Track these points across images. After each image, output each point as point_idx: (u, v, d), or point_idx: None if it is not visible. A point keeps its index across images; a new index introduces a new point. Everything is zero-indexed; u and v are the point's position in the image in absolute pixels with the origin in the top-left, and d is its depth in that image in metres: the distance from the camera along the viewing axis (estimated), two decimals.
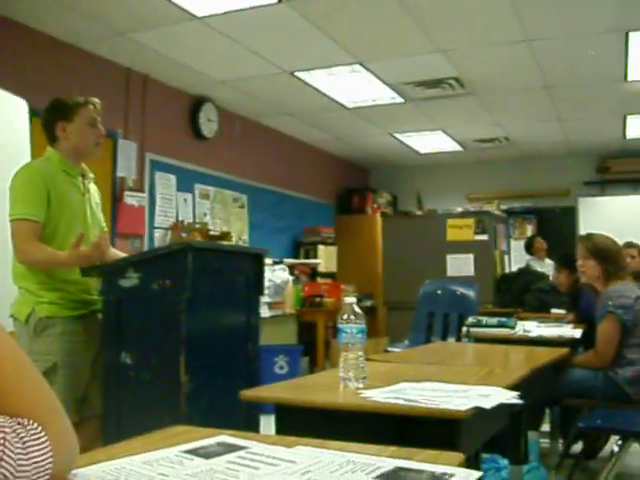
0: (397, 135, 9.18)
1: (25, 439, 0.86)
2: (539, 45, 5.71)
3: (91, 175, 3.46)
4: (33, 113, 4.31)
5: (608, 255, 4.18)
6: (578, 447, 4.46)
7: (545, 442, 4.54)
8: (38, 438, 0.88)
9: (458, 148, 9.86)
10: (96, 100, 3.35)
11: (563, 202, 10.27)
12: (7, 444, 0.83)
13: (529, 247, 8.95)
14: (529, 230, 10.42)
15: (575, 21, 5.26)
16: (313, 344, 7.87)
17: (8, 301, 3.22)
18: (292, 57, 6.12)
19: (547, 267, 8.23)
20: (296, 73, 6.52)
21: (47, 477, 0.88)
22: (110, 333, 3.19)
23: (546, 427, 4.51)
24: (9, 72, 4.82)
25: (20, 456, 0.84)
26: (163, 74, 6.57)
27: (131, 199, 6.31)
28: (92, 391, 3.23)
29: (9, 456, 0.82)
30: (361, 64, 6.25)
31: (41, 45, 5.37)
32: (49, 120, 3.30)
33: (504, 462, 3.54)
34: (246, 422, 3.22)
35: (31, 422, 0.89)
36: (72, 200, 3.26)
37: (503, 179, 10.55)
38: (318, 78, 6.67)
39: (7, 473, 0.81)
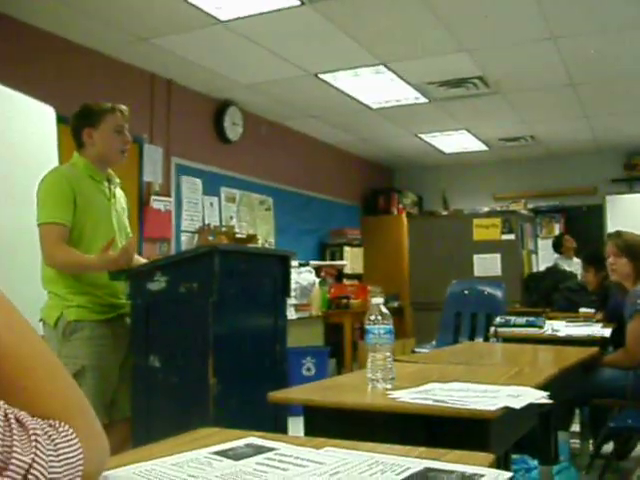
0: (422, 135, 9.15)
1: (56, 441, 0.87)
2: (564, 42, 5.67)
3: (117, 180, 3.48)
4: (60, 119, 4.35)
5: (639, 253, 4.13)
6: (609, 447, 4.41)
7: (575, 442, 4.50)
8: (69, 440, 0.89)
9: (483, 147, 9.81)
10: (123, 107, 3.37)
11: (590, 200, 10.17)
12: (39, 446, 0.83)
13: (557, 246, 8.87)
14: (556, 229, 10.34)
15: (600, 17, 5.21)
16: (340, 346, 7.87)
17: (38, 305, 3.25)
18: (316, 59, 6.13)
19: (575, 266, 8.16)
20: (320, 75, 6.52)
21: (78, 479, 0.88)
22: (138, 336, 3.21)
23: (576, 427, 4.47)
24: (36, 79, 4.87)
25: (52, 458, 0.85)
26: (187, 79, 6.61)
27: (158, 203, 6.35)
28: (121, 394, 3.25)
29: (41, 458, 0.83)
30: (385, 65, 6.24)
31: (66, 52, 5.42)
32: (76, 126, 3.33)
33: (534, 463, 3.52)
34: (274, 424, 3.22)
35: (62, 424, 0.90)
36: (98, 205, 3.29)
37: (529, 178, 10.47)
38: (342, 80, 6.67)
39: (39, 475, 0.82)
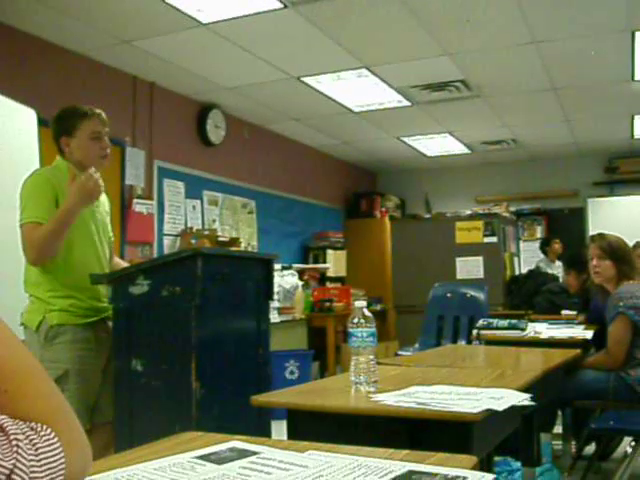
0: (404, 138, 9.17)
1: (38, 445, 0.86)
2: (546, 47, 5.70)
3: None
4: (41, 122, 4.33)
5: (623, 255, 4.15)
6: (591, 449, 4.44)
7: (558, 444, 4.52)
8: (51, 444, 0.88)
9: (466, 151, 9.85)
10: (100, 111, 3.29)
11: (572, 203, 10.24)
12: (20, 451, 0.83)
13: (544, 247, 8.90)
14: (538, 232, 10.40)
15: (582, 22, 5.24)
16: (323, 349, 7.86)
17: (19, 309, 3.23)
18: (298, 62, 6.13)
19: (556, 269, 8.21)
20: (303, 78, 6.52)
21: None
22: (120, 340, 3.20)
23: (558, 429, 4.48)
24: (17, 82, 4.84)
25: (33, 463, 0.84)
26: (170, 81, 6.59)
27: (140, 207, 6.32)
28: (103, 398, 3.23)
29: (22, 463, 0.82)
30: (368, 68, 6.26)
31: (48, 54, 5.39)
32: (54, 133, 3.29)
33: (517, 464, 3.54)
34: (258, 428, 3.22)
35: (44, 427, 0.89)
36: None
37: (511, 181, 10.53)
38: (325, 83, 6.68)
39: None
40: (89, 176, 3.06)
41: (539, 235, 10.26)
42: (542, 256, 8.94)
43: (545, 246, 8.90)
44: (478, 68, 6.33)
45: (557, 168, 10.25)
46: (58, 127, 3.27)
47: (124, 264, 3.71)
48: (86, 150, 3.24)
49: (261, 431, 3.21)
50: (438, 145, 9.54)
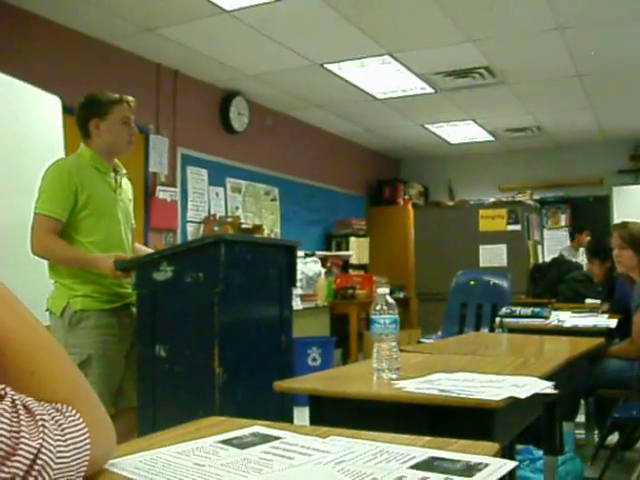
0: (428, 126, 9.13)
1: (64, 425, 0.88)
2: (571, 33, 5.65)
3: (124, 171, 3.48)
4: (65, 110, 4.35)
5: None
6: (614, 438, 4.42)
7: (580, 433, 4.50)
8: (76, 424, 0.89)
9: (489, 138, 9.79)
10: (130, 98, 3.37)
11: (597, 191, 10.14)
12: (47, 431, 0.84)
13: (574, 233, 8.81)
14: (562, 220, 10.32)
15: (607, 8, 5.18)
16: (346, 336, 7.88)
17: (44, 295, 3.26)
18: (322, 49, 6.11)
19: (580, 257, 8.17)
20: (326, 65, 6.51)
21: (85, 463, 0.89)
22: (144, 326, 3.22)
23: (581, 418, 4.47)
24: (41, 69, 4.87)
25: (59, 442, 0.85)
26: (193, 69, 6.60)
27: (164, 194, 6.36)
28: (127, 384, 3.26)
29: (49, 443, 0.84)
30: (391, 55, 6.23)
31: (72, 42, 5.42)
32: (83, 116, 3.32)
33: (539, 453, 3.53)
34: (280, 414, 3.23)
35: (69, 408, 0.91)
36: (102, 196, 3.28)
37: (535, 169, 10.45)
38: (348, 70, 6.66)
39: (48, 460, 0.83)
40: (109, 269, 3.13)
41: (563, 223, 10.18)
42: (568, 243, 8.87)
43: (576, 233, 8.81)
44: (502, 55, 6.28)
45: (582, 156, 10.16)
46: (89, 109, 3.31)
47: (146, 250, 3.74)
48: (116, 134, 3.30)
49: (283, 417, 3.22)
50: (462, 132, 9.49)
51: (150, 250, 3.82)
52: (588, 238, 8.58)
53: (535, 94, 7.63)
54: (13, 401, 0.83)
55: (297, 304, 7.03)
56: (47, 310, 3.22)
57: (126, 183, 3.52)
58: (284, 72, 6.71)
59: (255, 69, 6.64)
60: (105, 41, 5.71)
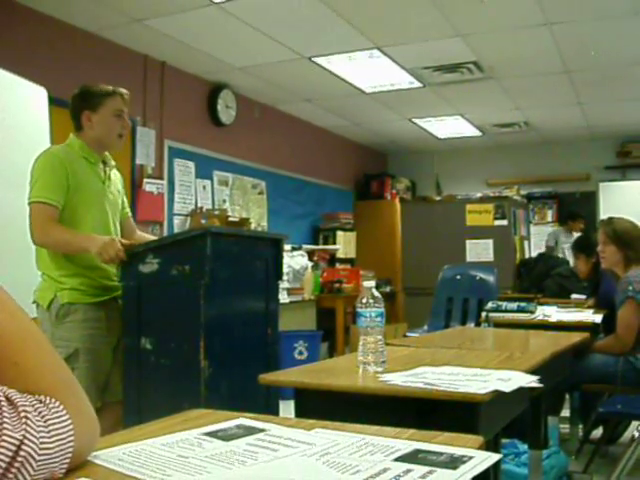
0: (416, 120, 9.14)
1: (47, 417, 0.87)
2: (559, 28, 5.66)
3: (113, 163, 3.46)
4: (52, 101, 4.33)
5: (629, 240, 4.14)
6: (598, 432, 4.45)
7: (565, 427, 4.53)
8: (59, 416, 0.89)
9: (477, 133, 9.81)
10: (124, 91, 3.35)
11: (584, 187, 10.19)
12: (30, 422, 0.84)
13: (568, 220, 8.84)
14: (549, 215, 10.37)
15: (595, 4, 5.19)
16: (332, 330, 7.89)
17: (31, 287, 3.24)
18: (310, 42, 6.10)
19: (571, 239, 8.27)
20: (314, 58, 6.50)
21: (69, 455, 0.89)
22: (130, 318, 3.21)
23: (566, 412, 4.50)
24: (27, 60, 4.84)
25: (43, 434, 0.85)
26: (180, 61, 6.58)
27: (150, 186, 6.33)
28: (114, 377, 3.25)
29: (32, 434, 0.83)
30: (379, 49, 6.22)
31: (59, 33, 5.39)
32: (75, 108, 3.31)
33: (524, 447, 3.54)
34: (265, 407, 3.23)
35: (52, 400, 0.90)
36: (91, 187, 3.27)
37: (523, 164, 10.49)
38: (336, 63, 6.65)
39: (31, 451, 0.82)
40: (115, 244, 3.08)
41: (550, 219, 10.23)
42: (560, 227, 8.91)
43: (570, 219, 8.85)
44: (491, 50, 6.29)
45: (569, 152, 10.20)
46: (81, 102, 3.29)
47: (149, 237, 3.73)
48: (108, 126, 3.28)
49: (269, 411, 3.22)
50: (449, 127, 9.50)
51: (153, 237, 3.81)
52: (581, 224, 8.64)
53: (523, 90, 7.64)
54: None
55: (284, 297, 7.04)
56: (34, 302, 3.21)
57: (115, 174, 3.50)
58: (272, 65, 6.69)
59: (243, 62, 6.62)
60: (92, 32, 5.67)
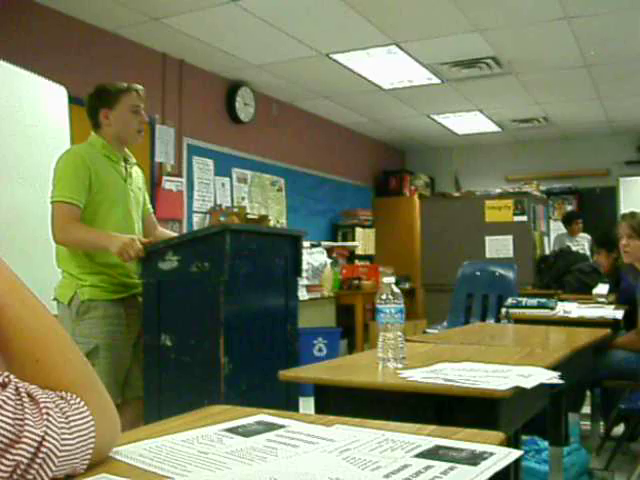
0: (434, 116, 9.11)
1: (68, 413, 0.88)
2: (578, 22, 5.62)
3: (134, 160, 3.48)
4: (71, 100, 4.35)
5: None
6: (619, 429, 4.42)
7: (586, 424, 4.50)
8: (81, 412, 0.89)
9: (496, 129, 9.76)
10: (139, 87, 3.37)
11: (604, 182, 10.13)
12: (51, 419, 0.84)
13: (567, 222, 8.84)
14: (568, 209, 10.30)
15: None
16: (352, 327, 7.88)
17: (52, 284, 3.26)
18: (328, 39, 6.10)
19: (581, 241, 8.23)
20: (332, 55, 6.49)
21: (90, 451, 0.89)
22: (150, 315, 3.23)
23: (587, 409, 4.47)
24: (47, 59, 4.87)
25: (64, 430, 0.85)
26: (199, 59, 6.59)
27: (169, 184, 6.36)
28: (134, 373, 3.27)
29: (54, 431, 0.84)
30: (397, 45, 6.21)
31: (78, 32, 5.42)
32: (92, 107, 3.33)
33: (544, 444, 3.52)
34: (285, 404, 3.23)
35: (73, 396, 0.91)
36: (113, 185, 3.29)
37: (542, 159, 10.43)
38: (354, 60, 6.64)
39: (53, 447, 0.83)
40: (135, 244, 3.10)
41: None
42: (564, 231, 8.91)
43: (569, 221, 8.84)
44: (509, 44, 6.25)
45: (589, 147, 10.13)
46: (98, 100, 3.31)
47: (171, 234, 3.75)
48: (126, 123, 3.31)
49: (289, 407, 3.22)
50: (468, 123, 9.47)
51: (174, 234, 3.83)
52: (578, 226, 8.63)
53: (542, 84, 7.60)
54: (17, 389, 0.83)
55: (303, 294, 7.04)
56: (54, 299, 3.23)
57: (136, 172, 3.52)
58: (290, 62, 6.70)
59: (261, 59, 6.63)
60: (111, 31, 5.70)
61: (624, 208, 9.12)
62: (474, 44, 6.18)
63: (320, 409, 1.94)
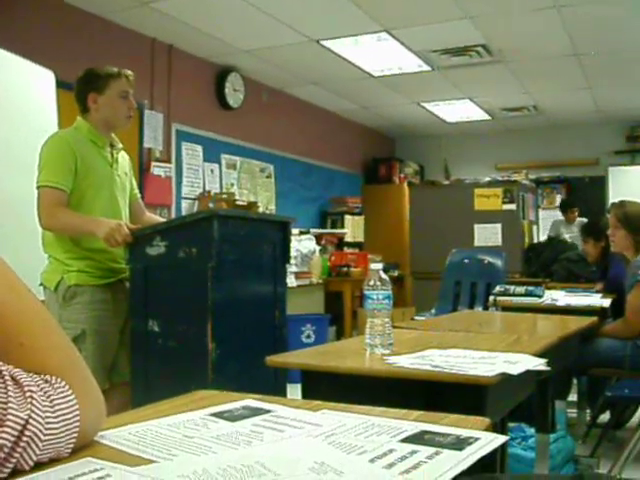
0: (424, 104, 9.10)
1: (52, 397, 0.87)
2: (568, 11, 5.61)
3: (120, 145, 3.46)
4: (59, 84, 4.32)
5: (639, 225, 4.11)
6: (605, 417, 4.45)
7: (572, 412, 4.53)
8: (65, 396, 0.89)
9: (486, 117, 9.77)
10: (129, 72, 3.35)
11: (593, 171, 10.16)
12: (35, 402, 0.84)
13: (564, 209, 8.85)
14: (558, 200, 10.32)
15: None
16: (340, 314, 7.89)
17: (38, 270, 3.25)
18: (317, 25, 6.07)
19: (574, 228, 8.27)
20: (322, 42, 6.47)
21: (75, 435, 0.89)
22: (137, 301, 3.22)
23: (573, 397, 4.49)
24: (35, 43, 4.83)
25: (48, 414, 0.85)
26: (188, 44, 6.56)
27: (158, 170, 6.33)
28: (121, 358, 3.27)
29: (37, 414, 0.83)
30: (387, 32, 6.19)
31: (67, 16, 5.38)
32: (81, 91, 3.31)
33: (531, 431, 3.54)
34: (273, 390, 3.23)
35: (58, 379, 0.90)
36: (99, 170, 3.27)
37: (532, 148, 10.45)
38: (344, 46, 6.62)
39: (37, 431, 0.82)
40: (122, 229, 3.08)
41: (558, 203, 10.18)
42: (561, 217, 8.92)
43: (565, 209, 8.86)
44: (499, 32, 6.25)
45: (578, 136, 10.15)
46: (87, 84, 3.29)
47: (159, 219, 3.74)
48: (115, 108, 3.30)
49: (277, 394, 3.21)
50: (458, 111, 9.47)
51: (162, 219, 3.83)
52: (574, 215, 8.65)
53: (532, 73, 7.60)
54: (0, 372, 0.83)
55: (292, 281, 7.04)
56: (41, 285, 3.21)
57: (123, 157, 3.50)
58: (280, 48, 6.67)
59: (251, 45, 6.60)
60: (100, 15, 5.66)
61: (613, 197, 9.15)
62: (465, 32, 6.17)
63: (307, 395, 1.94)
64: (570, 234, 8.29)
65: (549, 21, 5.87)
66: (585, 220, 8.27)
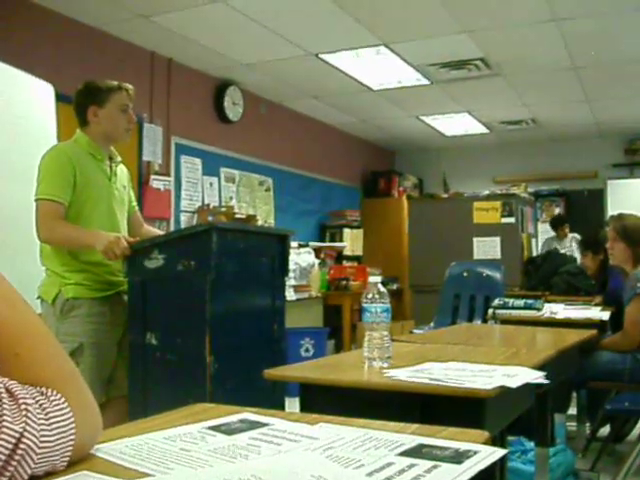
0: (423, 117, 9.12)
1: (47, 409, 0.86)
2: (567, 24, 5.63)
3: (119, 159, 3.46)
4: (59, 97, 4.33)
5: (638, 238, 4.11)
6: (605, 430, 4.43)
7: (572, 425, 4.51)
8: (61, 408, 0.88)
9: (484, 130, 9.79)
10: (129, 86, 3.36)
11: (591, 185, 10.18)
12: (30, 415, 0.83)
13: (556, 226, 8.88)
14: (557, 213, 10.34)
15: (603, 0, 5.17)
16: (339, 327, 7.88)
17: (36, 282, 3.24)
18: (317, 39, 6.09)
19: (567, 243, 8.29)
20: (321, 55, 6.49)
21: (70, 448, 0.88)
22: (135, 314, 3.21)
23: (573, 410, 4.48)
24: (35, 57, 4.84)
25: (43, 427, 0.84)
26: (187, 57, 6.57)
27: (157, 183, 6.33)
28: (118, 372, 3.25)
29: (32, 427, 0.82)
30: (386, 46, 6.21)
31: (66, 29, 5.40)
32: (81, 104, 3.31)
33: (530, 444, 3.53)
34: (271, 404, 3.21)
35: (53, 392, 0.89)
36: (98, 184, 3.27)
37: (530, 161, 10.46)
38: (343, 60, 6.64)
39: (31, 444, 0.82)
40: (121, 242, 3.08)
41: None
42: (553, 233, 8.95)
43: (557, 225, 8.88)
44: (498, 46, 6.27)
45: (577, 149, 10.17)
46: (88, 97, 3.29)
47: (157, 232, 3.74)
48: (115, 121, 3.30)
49: (275, 407, 3.20)
50: (457, 124, 9.49)
51: (160, 232, 3.83)
52: (567, 230, 8.68)
53: (530, 86, 7.62)
54: None
55: (290, 295, 7.03)
56: (38, 297, 3.21)
57: (122, 170, 3.50)
58: (279, 62, 6.69)
59: (250, 58, 6.62)
60: (99, 28, 5.68)
61: (611, 210, 9.15)
62: (463, 45, 6.19)
63: (305, 408, 1.93)
64: (564, 249, 8.30)
65: (547, 35, 5.89)
66: (577, 235, 8.33)
